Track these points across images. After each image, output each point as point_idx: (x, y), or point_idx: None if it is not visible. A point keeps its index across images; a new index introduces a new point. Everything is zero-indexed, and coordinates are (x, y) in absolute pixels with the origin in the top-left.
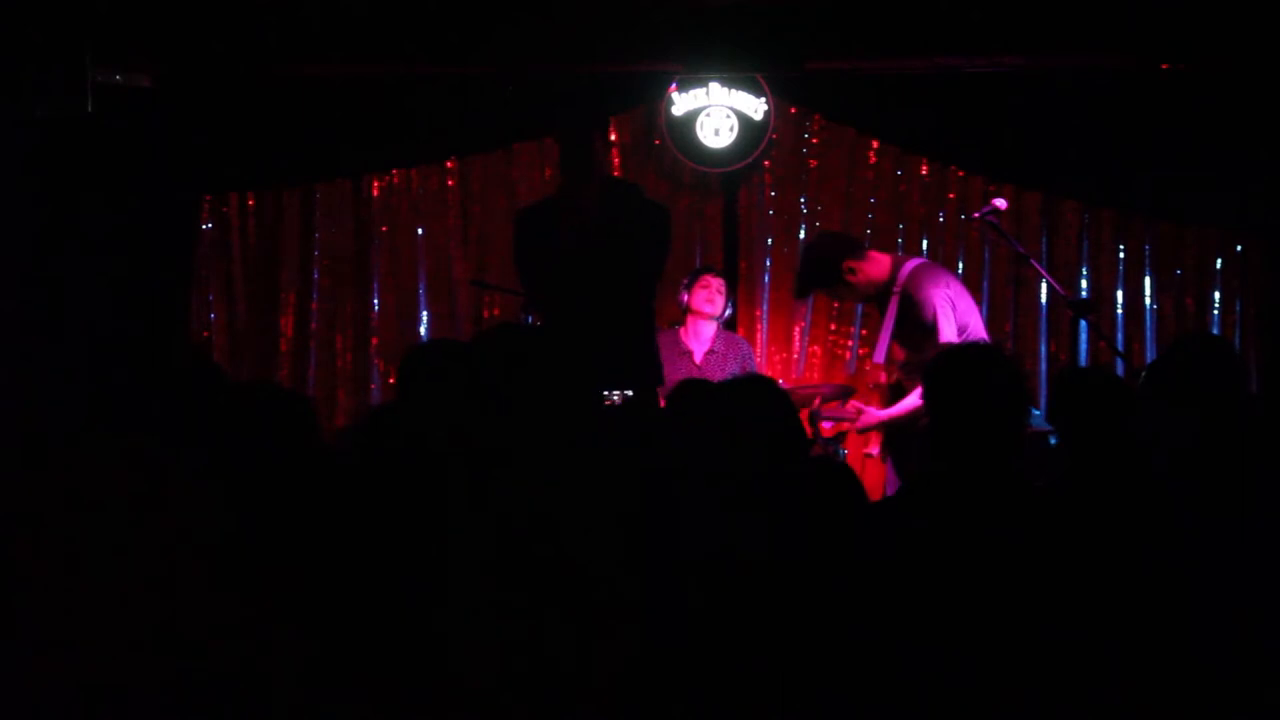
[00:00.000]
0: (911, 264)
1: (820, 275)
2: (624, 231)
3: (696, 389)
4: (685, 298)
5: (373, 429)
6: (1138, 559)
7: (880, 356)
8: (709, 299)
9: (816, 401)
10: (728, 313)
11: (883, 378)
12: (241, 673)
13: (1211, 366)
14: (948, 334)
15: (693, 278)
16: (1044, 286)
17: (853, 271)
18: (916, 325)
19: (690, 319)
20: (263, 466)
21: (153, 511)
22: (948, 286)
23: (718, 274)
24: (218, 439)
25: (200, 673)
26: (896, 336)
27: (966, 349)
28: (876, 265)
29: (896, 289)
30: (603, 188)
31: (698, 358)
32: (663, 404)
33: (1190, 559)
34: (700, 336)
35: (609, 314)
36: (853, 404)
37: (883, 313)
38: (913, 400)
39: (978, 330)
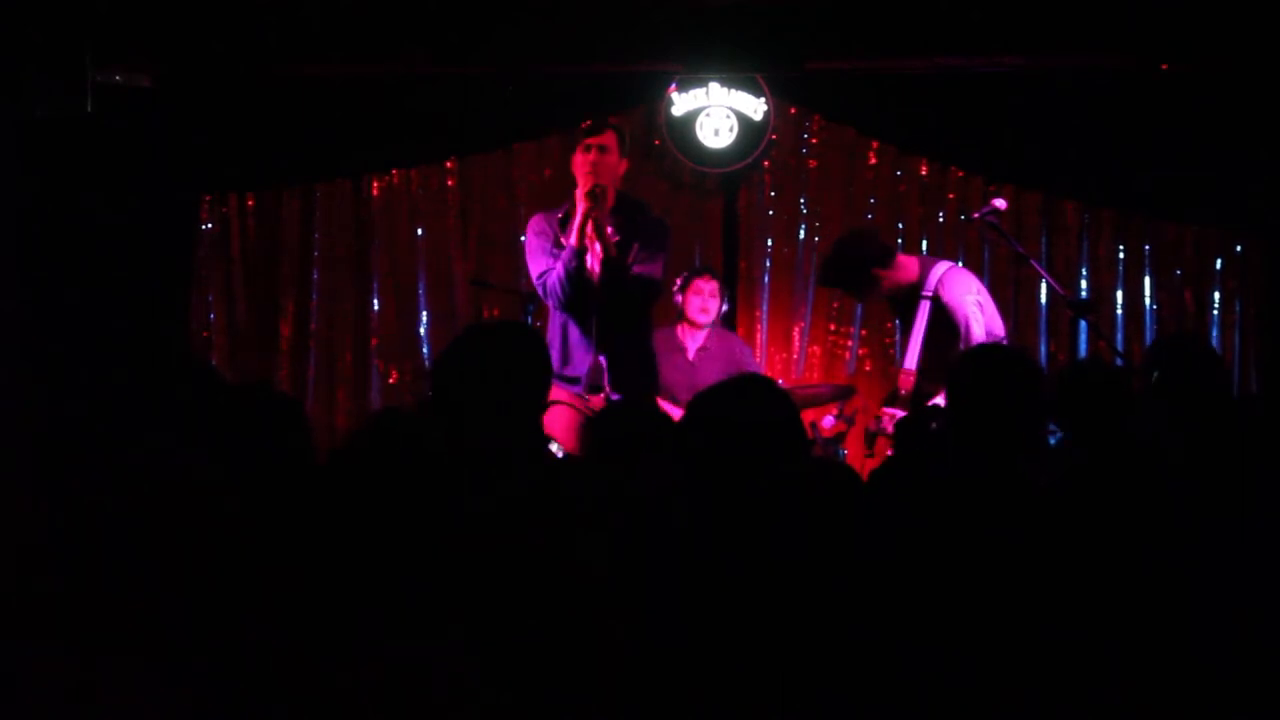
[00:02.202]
0: (940, 268)
1: (846, 277)
2: (630, 245)
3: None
4: (679, 300)
5: (376, 432)
6: (1138, 559)
7: (911, 363)
8: (702, 307)
9: (848, 409)
10: (724, 308)
11: (909, 384)
12: (237, 674)
13: (1197, 367)
14: (977, 341)
15: (686, 280)
16: (1044, 286)
17: (880, 280)
18: (947, 331)
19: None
20: (257, 468)
21: (148, 511)
22: (978, 293)
23: (713, 275)
24: (212, 440)
25: (196, 674)
26: (927, 340)
27: (991, 351)
28: (904, 270)
29: (926, 293)
30: (617, 201)
31: (690, 355)
32: (658, 402)
33: (1191, 558)
34: (694, 334)
35: (609, 322)
36: (886, 412)
37: (909, 315)
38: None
39: (1001, 336)
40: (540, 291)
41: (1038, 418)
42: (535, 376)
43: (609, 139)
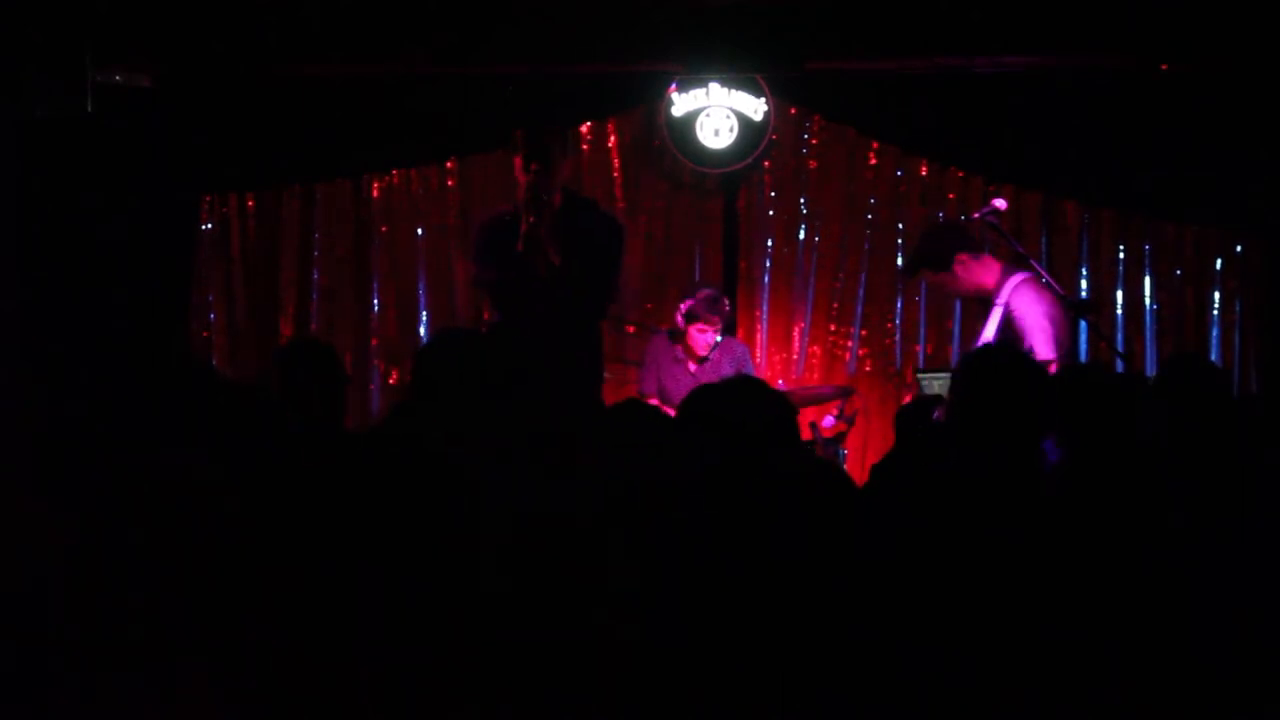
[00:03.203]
0: (1017, 279)
1: (931, 257)
2: (580, 244)
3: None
4: (681, 321)
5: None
6: (1137, 559)
7: None
8: (705, 344)
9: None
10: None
11: None
12: (238, 674)
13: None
14: (1043, 355)
15: (691, 313)
16: None
17: (963, 264)
18: (1015, 336)
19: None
20: (257, 468)
21: (148, 511)
22: (1049, 308)
23: (720, 315)
24: (212, 440)
25: (197, 673)
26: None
27: (994, 352)
28: (987, 271)
29: (999, 302)
30: (563, 202)
31: (692, 366)
32: (648, 402)
33: (1190, 559)
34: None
35: (559, 320)
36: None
37: (985, 314)
38: None
39: (1058, 356)
40: (490, 300)
41: (1039, 419)
42: (535, 378)
43: (553, 142)
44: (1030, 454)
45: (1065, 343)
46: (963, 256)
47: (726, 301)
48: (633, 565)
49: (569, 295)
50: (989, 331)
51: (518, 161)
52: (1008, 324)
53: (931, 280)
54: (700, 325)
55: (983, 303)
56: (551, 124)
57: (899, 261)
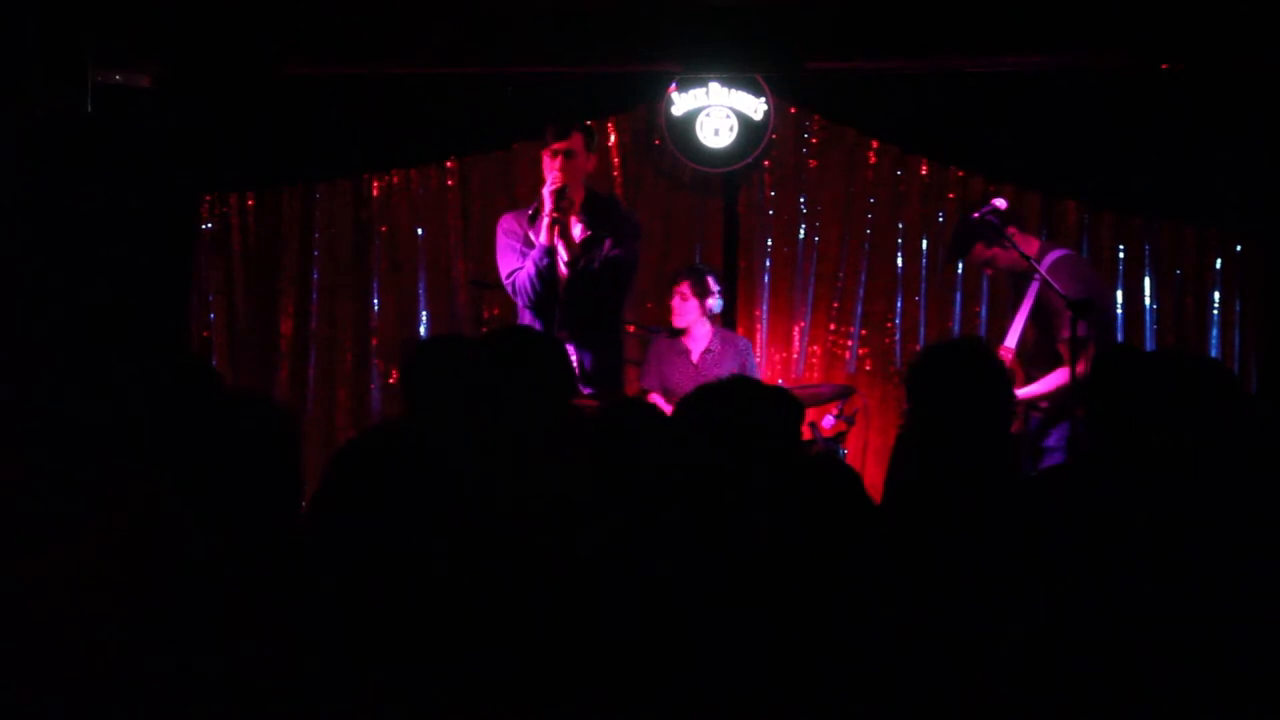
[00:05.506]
0: (1056, 254)
1: (985, 233)
2: (599, 242)
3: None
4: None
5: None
6: (1136, 557)
7: (1012, 341)
8: (678, 312)
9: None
10: (718, 306)
11: (1006, 360)
12: (235, 681)
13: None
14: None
15: (675, 276)
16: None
17: (1011, 237)
18: (1051, 314)
19: None
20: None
21: (148, 512)
22: (1088, 284)
23: (685, 276)
24: (211, 439)
25: (189, 679)
26: (1032, 321)
27: (947, 346)
28: (1029, 243)
29: (1037, 276)
30: (584, 198)
31: (694, 357)
32: (652, 400)
33: (1190, 558)
34: (697, 337)
35: (579, 317)
36: None
37: (1020, 295)
38: (1038, 387)
39: (1107, 330)
40: (510, 290)
41: (999, 408)
42: (535, 382)
43: (575, 142)
44: (993, 442)
45: (1105, 318)
46: (1011, 229)
47: (713, 281)
48: (631, 564)
49: (589, 291)
50: (1026, 305)
51: (545, 155)
52: (1044, 297)
53: (983, 255)
54: (673, 290)
55: (1022, 278)
56: (578, 118)
57: (899, 261)
